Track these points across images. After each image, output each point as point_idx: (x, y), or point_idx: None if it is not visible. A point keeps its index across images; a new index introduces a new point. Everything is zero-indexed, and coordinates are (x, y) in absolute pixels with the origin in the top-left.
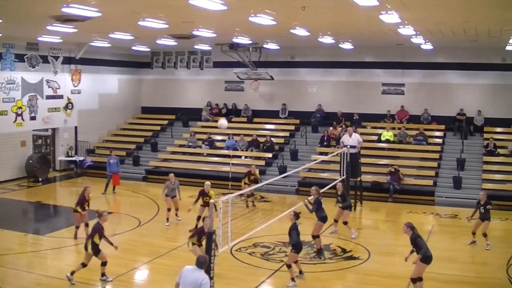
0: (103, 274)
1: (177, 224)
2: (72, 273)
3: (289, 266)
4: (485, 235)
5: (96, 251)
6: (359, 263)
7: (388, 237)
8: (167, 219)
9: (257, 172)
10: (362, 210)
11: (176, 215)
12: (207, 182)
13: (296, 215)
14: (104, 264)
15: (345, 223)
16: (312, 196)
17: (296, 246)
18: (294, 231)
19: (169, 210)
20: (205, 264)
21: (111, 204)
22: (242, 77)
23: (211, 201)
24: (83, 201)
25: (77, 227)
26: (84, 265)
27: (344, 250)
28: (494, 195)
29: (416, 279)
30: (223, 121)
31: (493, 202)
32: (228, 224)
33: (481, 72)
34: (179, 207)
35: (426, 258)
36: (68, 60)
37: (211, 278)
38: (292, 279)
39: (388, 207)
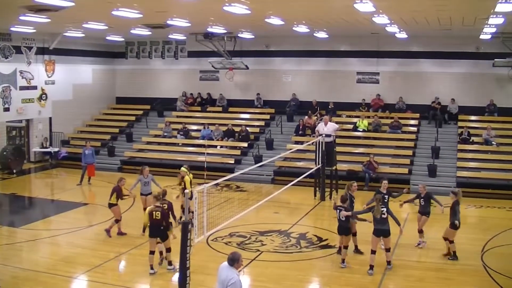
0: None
1: None
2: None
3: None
4: (421, 231)
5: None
6: (335, 252)
7: (363, 226)
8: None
9: (187, 178)
10: (338, 199)
11: None
12: (183, 168)
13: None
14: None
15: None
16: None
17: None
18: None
19: (145, 209)
20: (236, 261)
21: (87, 195)
22: (217, 66)
23: (186, 190)
24: (119, 192)
25: (118, 221)
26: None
27: (320, 239)
28: (468, 183)
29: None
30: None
31: (467, 190)
32: (204, 214)
33: (456, 61)
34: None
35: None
36: (41, 51)
37: (187, 268)
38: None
39: (364, 196)
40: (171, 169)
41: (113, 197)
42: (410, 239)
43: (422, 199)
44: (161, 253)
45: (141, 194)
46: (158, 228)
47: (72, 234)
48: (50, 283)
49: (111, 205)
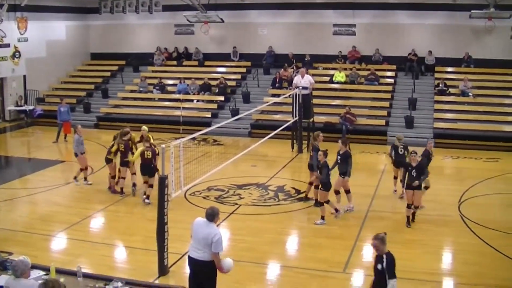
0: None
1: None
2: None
3: (320, 204)
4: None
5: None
6: (312, 204)
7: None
8: (85, 178)
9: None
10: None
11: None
12: (144, 127)
13: (325, 154)
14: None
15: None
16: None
17: (326, 184)
18: (325, 168)
19: (85, 169)
20: (215, 216)
21: (63, 152)
22: (192, 20)
23: (162, 145)
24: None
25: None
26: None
27: (298, 191)
28: (445, 134)
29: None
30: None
31: (444, 141)
32: (181, 168)
33: (432, 12)
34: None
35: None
36: (13, 8)
37: (165, 224)
38: (322, 218)
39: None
40: (147, 124)
41: (112, 153)
42: (387, 190)
43: (413, 170)
44: (134, 184)
45: (81, 153)
46: (148, 167)
47: (49, 192)
48: (28, 242)
49: (109, 161)
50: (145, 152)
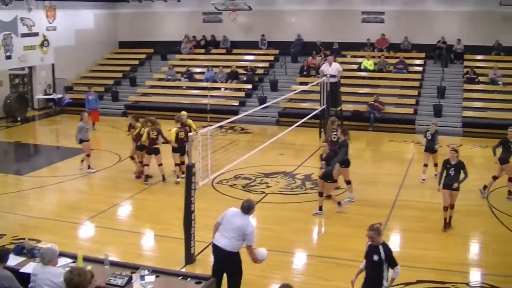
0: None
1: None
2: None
3: (349, 183)
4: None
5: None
6: (341, 193)
7: (369, 166)
8: (88, 166)
9: (190, 122)
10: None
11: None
12: (183, 112)
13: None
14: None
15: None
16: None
17: (346, 162)
18: (344, 148)
19: (88, 156)
20: (251, 209)
21: (91, 140)
22: (220, 8)
23: (190, 134)
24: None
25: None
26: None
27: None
28: (474, 123)
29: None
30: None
31: (473, 130)
32: (208, 157)
33: None
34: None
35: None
36: None
37: (192, 212)
38: (339, 203)
39: (369, 136)
40: (174, 113)
41: (145, 139)
42: (415, 179)
43: (452, 169)
44: (163, 178)
45: (81, 140)
46: (182, 146)
47: (77, 180)
48: (56, 230)
49: (141, 148)
50: (179, 132)
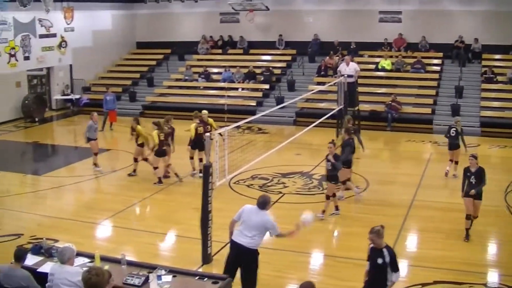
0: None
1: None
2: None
3: (344, 183)
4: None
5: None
6: (358, 193)
7: (387, 166)
8: (96, 164)
9: (211, 121)
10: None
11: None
12: (204, 111)
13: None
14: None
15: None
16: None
17: (347, 162)
18: (348, 147)
19: (96, 154)
20: (267, 204)
21: (109, 141)
22: (237, 8)
23: (207, 134)
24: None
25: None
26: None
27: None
28: (491, 123)
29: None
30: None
31: (491, 129)
32: (225, 157)
33: None
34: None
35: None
36: None
37: (209, 212)
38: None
39: (387, 136)
40: (192, 113)
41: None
42: (432, 180)
43: (472, 177)
44: (176, 175)
45: (90, 139)
46: (200, 141)
47: (94, 180)
48: (74, 229)
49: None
50: (198, 128)
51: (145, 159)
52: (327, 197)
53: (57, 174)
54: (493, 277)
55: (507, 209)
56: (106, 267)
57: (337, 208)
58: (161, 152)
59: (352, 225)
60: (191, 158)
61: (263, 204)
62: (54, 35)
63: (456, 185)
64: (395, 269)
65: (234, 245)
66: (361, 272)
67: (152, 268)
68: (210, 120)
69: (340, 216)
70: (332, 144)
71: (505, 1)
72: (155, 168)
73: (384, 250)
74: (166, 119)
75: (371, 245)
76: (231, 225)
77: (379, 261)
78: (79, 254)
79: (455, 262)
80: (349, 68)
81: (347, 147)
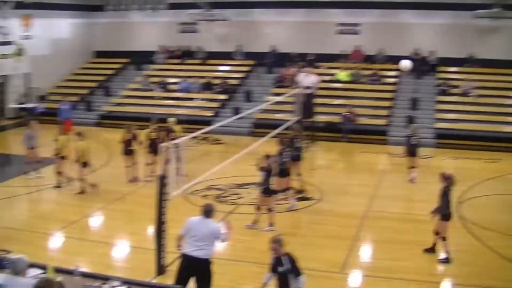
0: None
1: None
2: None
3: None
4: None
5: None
6: (313, 204)
7: (342, 177)
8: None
9: (178, 128)
10: (316, 150)
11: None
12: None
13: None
14: None
15: None
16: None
17: (283, 171)
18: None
19: (29, 163)
20: (212, 211)
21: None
22: (196, 18)
23: (161, 145)
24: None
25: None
26: None
27: (298, 191)
28: (446, 134)
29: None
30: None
31: (445, 141)
32: (181, 167)
33: (436, 12)
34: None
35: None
36: (18, 5)
37: (163, 223)
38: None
39: (342, 147)
40: (149, 123)
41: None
42: (387, 190)
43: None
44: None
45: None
46: (154, 147)
47: (48, 190)
48: (26, 240)
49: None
50: (151, 132)
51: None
52: (258, 208)
53: (10, 184)
54: (445, 286)
55: (460, 219)
56: (59, 278)
57: (271, 224)
58: (129, 151)
59: (306, 235)
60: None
61: (208, 212)
62: (11, 43)
63: (410, 195)
64: (298, 274)
65: (187, 258)
66: (317, 282)
67: (106, 279)
68: (177, 128)
69: (294, 226)
70: (265, 157)
71: (461, 14)
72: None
73: (285, 258)
74: (127, 126)
75: (273, 255)
76: (179, 240)
77: (280, 269)
78: (32, 265)
79: (408, 272)
80: (308, 79)
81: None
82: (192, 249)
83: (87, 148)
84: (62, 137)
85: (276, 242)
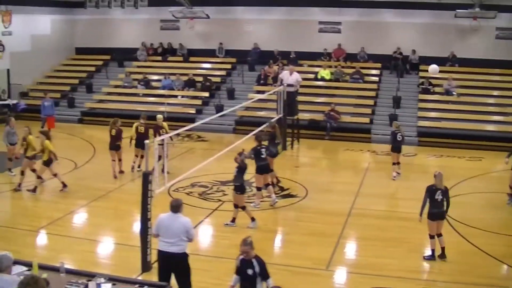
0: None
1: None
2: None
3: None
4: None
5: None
6: (297, 201)
7: (325, 175)
8: (9, 169)
9: (165, 124)
10: (299, 148)
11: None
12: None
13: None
14: None
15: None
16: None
17: (262, 167)
18: (253, 155)
19: (11, 160)
20: (180, 206)
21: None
22: (177, 16)
23: (146, 141)
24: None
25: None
26: None
27: (282, 188)
28: (428, 133)
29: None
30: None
31: (428, 139)
32: (165, 164)
33: (417, 11)
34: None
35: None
36: None
37: (148, 220)
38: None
39: (325, 145)
40: (131, 120)
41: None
42: (370, 188)
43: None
44: (121, 171)
45: (10, 144)
46: (142, 141)
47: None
48: (10, 237)
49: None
50: (139, 127)
51: (33, 170)
52: (235, 206)
53: None
54: (429, 283)
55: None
56: (44, 275)
57: (253, 219)
58: (116, 146)
59: (290, 233)
60: (136, 156)
61: (177, 207)
62: None
63: (394, 193)
64: (266, 277)
65: (163, 255)
66: (302, 280)
67: (91, 276)
68: (164, 124)
69: (279, 224)
70: (238, 154)
71: (442, 14)
72: (114, 161)
73: (254, 260)
74: (113, 121)
75: (241, 257)
76: (156, 238)
77: (249, 272)
78: (16, 262)
79: (393, 269)
80: (291, 77)
81: (252, 154)
82: (166, 246)
83: (50, 146)
84: (30, 137)
85: (248, 244)
